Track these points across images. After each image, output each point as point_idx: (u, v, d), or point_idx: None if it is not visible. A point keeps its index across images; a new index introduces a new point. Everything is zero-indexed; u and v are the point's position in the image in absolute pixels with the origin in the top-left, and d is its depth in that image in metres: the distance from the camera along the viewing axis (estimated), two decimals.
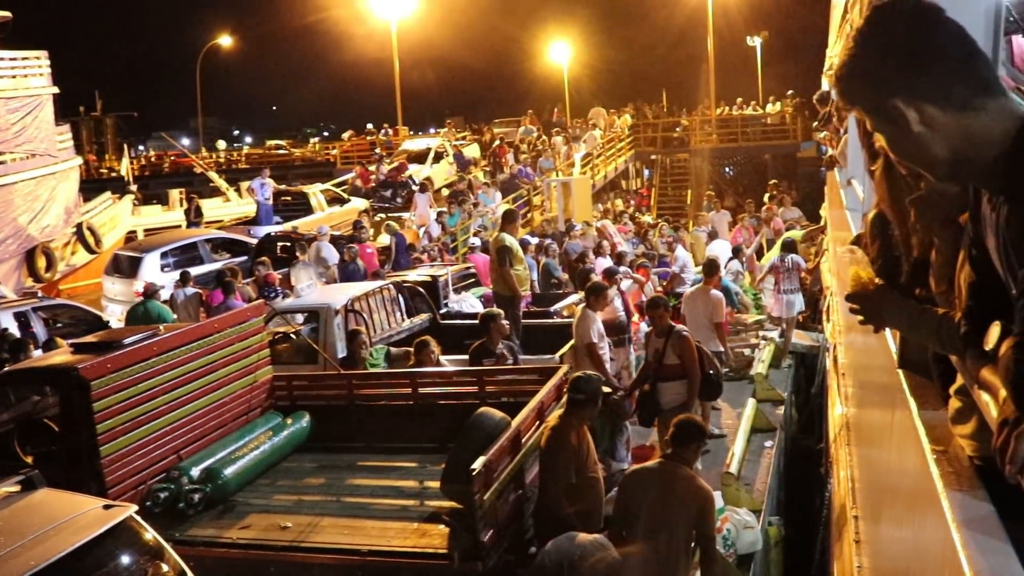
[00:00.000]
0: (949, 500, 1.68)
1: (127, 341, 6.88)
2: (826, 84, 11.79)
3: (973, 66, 1.59)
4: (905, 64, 1.61)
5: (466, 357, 9.20)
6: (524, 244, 14.18)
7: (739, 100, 41.33)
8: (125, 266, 17.78)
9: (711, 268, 10.88)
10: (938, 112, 1.59)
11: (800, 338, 14.05)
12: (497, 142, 32.88)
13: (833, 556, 5.76)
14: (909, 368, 2.56)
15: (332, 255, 15.71)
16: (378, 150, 32.33)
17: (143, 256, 17.66)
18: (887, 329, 2.72)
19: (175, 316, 13.02)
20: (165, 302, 13.51)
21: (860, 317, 2.16)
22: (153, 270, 17.06)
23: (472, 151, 32.45)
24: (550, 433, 6.34)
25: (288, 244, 17.84)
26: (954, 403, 2.01)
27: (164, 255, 17.80)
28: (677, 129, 37.44)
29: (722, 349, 10.18)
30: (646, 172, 38.56)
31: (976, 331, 1.66)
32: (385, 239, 18.37)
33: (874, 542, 3.49)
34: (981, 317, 1.66)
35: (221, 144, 45.26)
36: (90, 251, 21.13)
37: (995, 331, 1.57)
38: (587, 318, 9.37)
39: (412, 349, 9.04)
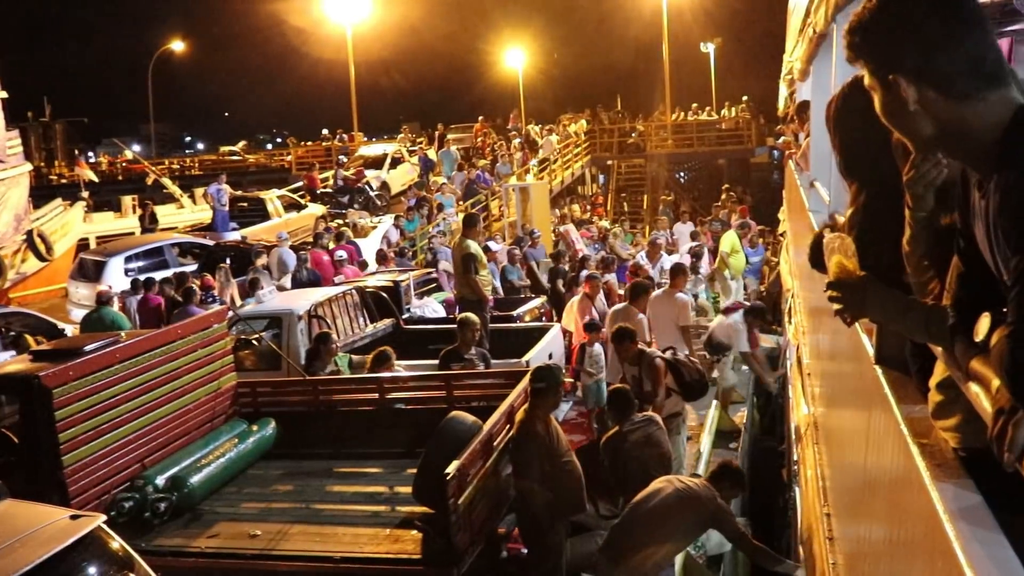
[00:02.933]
0: (939, 492, 1.68)
1: (88, 348, 6.77)
2: (784, 89, 11.95)
3: (984, 58, 1.56)
4: (918, 45, 1.58)
5: (429, 362, 9.18)
6: (486, 250, 14.15)
7: (694, 106, 41.76)
8: (91, 270, 17.53)
9: (677, 272, 10.88)
10: (938, 97, 1.58)
11: (761, 340, 14.12)
12: (480, 137, 33.80)
13: (801, 556, 5.82)
14: (886, 364, 2.56)
15: (292, 261, 15.58)
16: (343, 157, 32.19)
17: (107, 260, 17.42)
18: (857, 325, 2.72)
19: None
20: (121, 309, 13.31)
21: (838, 307, 2.06)
22: (118, 274, 16.82)
23: (430, 155, 32.51)
24: (518, 426, 6.42)
25: (235, 254, 17.67)
26: (934, 397, 1.99)
27: (129, 259, 17.57)
28: (633, 134, 37.68)
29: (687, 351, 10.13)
30: (601, 178, 38.71)
31: (965, 322, 1.65)
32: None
33: (849, 539, 3.52)
34: (970, 308, 1.65)
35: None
36: (41, 259, 20.64)
37: (985, 322, 1.56)
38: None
39: (368, 362, 8.96)
